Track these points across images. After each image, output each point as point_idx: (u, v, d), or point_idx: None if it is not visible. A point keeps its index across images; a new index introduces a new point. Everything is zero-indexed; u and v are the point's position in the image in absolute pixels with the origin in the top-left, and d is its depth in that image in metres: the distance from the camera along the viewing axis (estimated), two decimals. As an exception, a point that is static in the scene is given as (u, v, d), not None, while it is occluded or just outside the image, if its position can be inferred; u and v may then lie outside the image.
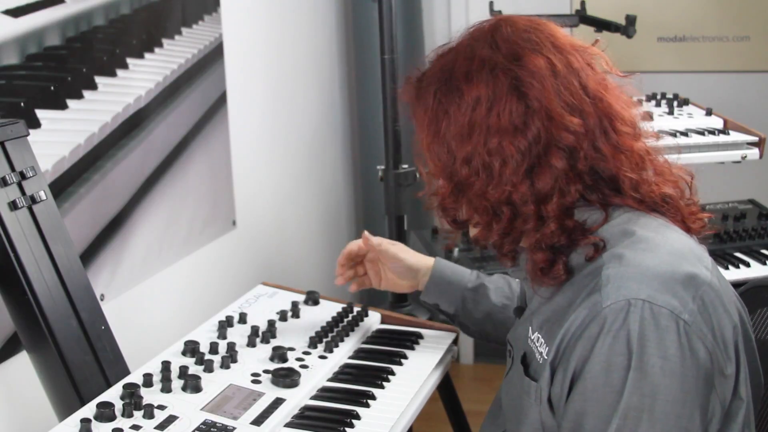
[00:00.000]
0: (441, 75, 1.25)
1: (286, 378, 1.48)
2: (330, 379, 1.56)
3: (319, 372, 1.55)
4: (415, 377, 1.58)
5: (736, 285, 2.14)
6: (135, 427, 1.31)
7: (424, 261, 1.75)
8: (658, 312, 1.08)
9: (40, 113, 1.70)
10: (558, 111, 1.17)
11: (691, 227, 1.25)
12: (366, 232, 1.78)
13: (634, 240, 1.16)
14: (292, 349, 1.61)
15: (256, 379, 1.49)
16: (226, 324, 1.68)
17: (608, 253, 1.16)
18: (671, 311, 1.08)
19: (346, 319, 1.76)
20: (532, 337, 1.24)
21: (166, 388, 1.43)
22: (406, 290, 1.79)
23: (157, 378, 1.45)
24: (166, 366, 1.47)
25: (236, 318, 1.71)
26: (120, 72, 1.94)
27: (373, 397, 1.50)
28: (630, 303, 1.09)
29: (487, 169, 1.19)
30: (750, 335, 1.21)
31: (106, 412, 1.33)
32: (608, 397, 1.09)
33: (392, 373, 1.59)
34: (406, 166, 2.36)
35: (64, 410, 1.44)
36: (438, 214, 1.31)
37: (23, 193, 1.44)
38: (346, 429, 1.39)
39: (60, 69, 1.76)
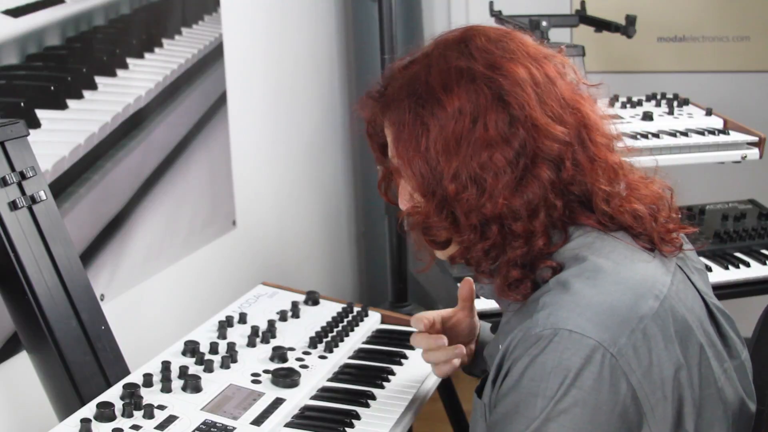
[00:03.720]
0: (413, 87, 1.18)
1: (286, 378, 1.48)
2: (330, 379, 1.56)
3: (319, 372, 1.55)
4: (416, 377, 1.58)
5: (737, 285, 2.18)
6: (135, 427, 1.31)
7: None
8: (584, 343, 1.05)
9: (40, 113, 1.70)
10: (543, 120, 1.14)
11: (662, 249, 1.20)
12: (469, 278, 1.49)
13: (583, 268, 1.13)
14: (292, 349, 1.61)
15: (256, 379, 1.49)
16: (226, 324, 1.68)
17: (554, 279, 1.13)
18: (598, 343, 1.05)
19: (346, 319, 1.76)
20: None
21: (166, 388, 1.43)
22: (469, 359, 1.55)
23: (157, 378, 1.45)
24: (166, 366, 1.47)
25: (236, 318, 1.71)
26: (120, 72, 1.94)
27: (373, 397, 1.50)
28: (556, 332, 1.06)
29: (477, 184, 1.14)
30: (712, 359, 1.15)
31: (106, 412, 1.33)
32: (517, 420, 1.07)
33: (392, 373, 1.59)
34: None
35: (64, 410, 1.44)
36: (419, 234, 1.24)
37: (23, 193, 1.44)
38: (346, 429, 1.39)
39: (60, 69, 1.76)
